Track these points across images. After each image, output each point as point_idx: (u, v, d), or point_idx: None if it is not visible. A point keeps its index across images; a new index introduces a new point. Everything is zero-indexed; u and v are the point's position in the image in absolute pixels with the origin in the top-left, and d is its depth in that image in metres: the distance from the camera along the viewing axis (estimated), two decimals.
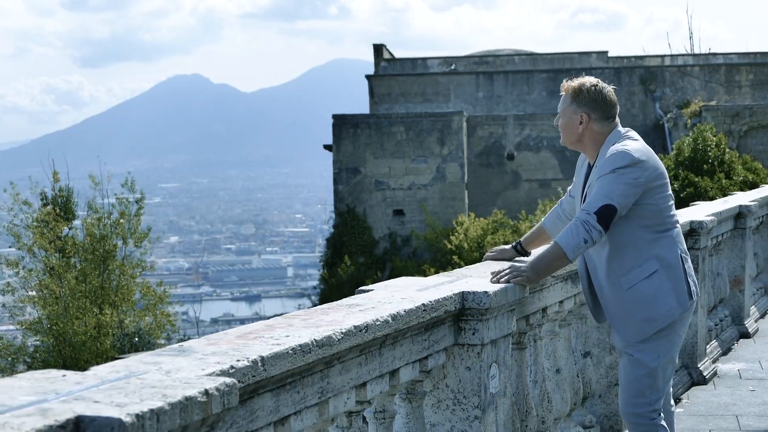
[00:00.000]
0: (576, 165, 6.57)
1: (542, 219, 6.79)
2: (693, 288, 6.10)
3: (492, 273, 5.75)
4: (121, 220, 34.43)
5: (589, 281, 6.29)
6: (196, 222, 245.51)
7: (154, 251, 42.22)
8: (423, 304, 4.73)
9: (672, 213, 6.13)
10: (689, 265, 6.16)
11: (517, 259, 6.46)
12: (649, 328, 6.03)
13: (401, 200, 44.26)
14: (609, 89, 6.22)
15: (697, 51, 61.25)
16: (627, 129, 6.20)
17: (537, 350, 6.79)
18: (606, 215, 5.81)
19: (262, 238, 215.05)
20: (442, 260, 39.25)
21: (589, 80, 6.19)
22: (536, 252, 6.42)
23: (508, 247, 6.71)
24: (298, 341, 3.80)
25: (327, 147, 46.03)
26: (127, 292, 33.94)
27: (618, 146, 5.99)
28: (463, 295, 5.14)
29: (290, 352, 3.72)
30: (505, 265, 5.93)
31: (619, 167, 5.87)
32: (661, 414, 6.20)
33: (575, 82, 6.18)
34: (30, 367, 31.34)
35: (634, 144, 6.03)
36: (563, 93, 6.20)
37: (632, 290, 6.02)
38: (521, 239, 6.76)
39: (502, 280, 5.64)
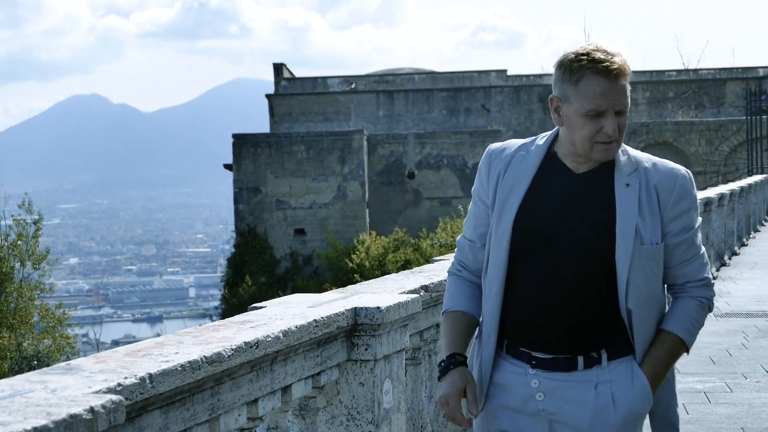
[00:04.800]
0: (480, 181, 3.99)
1: (448, 302, 4.13)
2: None
3: None
4: (19, 242, 34.05)
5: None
6: (96, 243, 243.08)
7: (53, 273, 41.75)
8: (315, 320, 4.73)
9: None
10: None
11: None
12: None
13: (302, 219, 44.26)
14: None
15: None
16: None
17: (432, 366, 6.83)
18: None
19: (163, 258, 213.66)
20: (344, 279, 39.30)
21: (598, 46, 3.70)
22: (652, 357, 3.83)
23: (457, 373, 3.92)
24: (188, 358, 3.79)
25: (227, 166, 45.90)
26: (26, 314, 33.55)
27: (665, 161, 3.88)
28: (355, 311, 5.14)
29: (179, 369, 3.71)
30: None
31: (695, 198, 3.93)
32: None
33: (621, 59, 3.68)
34: None
35: None
36: (624, 80, 3.65)
37: None
38: (453, 350, 4.02)
39: None
